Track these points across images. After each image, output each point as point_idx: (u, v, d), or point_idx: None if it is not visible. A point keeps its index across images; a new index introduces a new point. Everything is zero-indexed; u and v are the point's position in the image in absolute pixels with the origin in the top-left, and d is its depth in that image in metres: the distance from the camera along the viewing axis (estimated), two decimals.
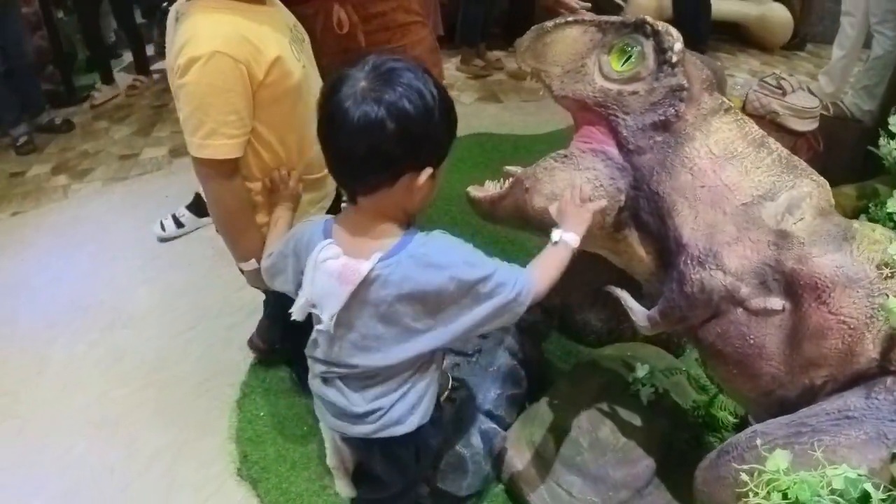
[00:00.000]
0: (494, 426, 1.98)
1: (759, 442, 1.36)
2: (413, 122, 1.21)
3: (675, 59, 1.52)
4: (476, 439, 1.91)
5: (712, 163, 1.51)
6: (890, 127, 2.40)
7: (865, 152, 2.53)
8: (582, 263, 2.04)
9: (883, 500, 1.17)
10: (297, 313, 1.37)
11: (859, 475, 1.19)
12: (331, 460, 1.65)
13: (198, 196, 2.78)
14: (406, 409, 1.44)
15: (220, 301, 2.68)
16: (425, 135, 1.24)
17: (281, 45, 1.62)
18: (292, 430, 2.18)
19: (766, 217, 1.45)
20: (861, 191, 2.83)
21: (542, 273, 1.40)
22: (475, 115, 4.19)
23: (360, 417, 1.43)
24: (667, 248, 1.56)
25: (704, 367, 2.03)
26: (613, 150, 1.60)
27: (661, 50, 1.55)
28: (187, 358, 2.48)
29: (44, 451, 2.16)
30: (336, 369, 1.41)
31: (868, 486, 1.17)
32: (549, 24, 1.72)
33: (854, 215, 2.54)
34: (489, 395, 2.01)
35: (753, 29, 5.96)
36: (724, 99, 1.63)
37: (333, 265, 1.30)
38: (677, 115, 1.53)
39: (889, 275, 1.35)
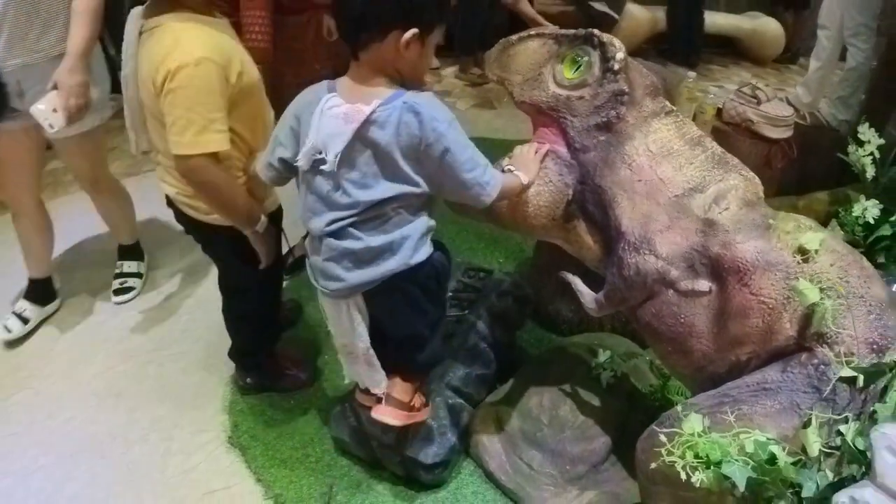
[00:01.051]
0: (461, 401, 2.08)
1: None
2: None
3: (617, 67, 1.65)
4: (443, 412, 2.02)
5: (649, 159, 1.64)
6: (859, 135, 2.50)
7: (838, 160, 2.59)
8: (553, 257, 2.17)
9: (789, 463, 1.27)
10: (303, 161, 1.54)
11: (768, 439, 1.29)
12: (350, 345, 1.77)
13: (33, 284, 2.67)
14: (416, 241, 1.60)
15: (217, 291, 2.78)
16: (390, 8, 1.41)
17: (240, 51, 1.79)
18: (279, 403, 2.31)
19: (695, 207, 1.57)
20: (834, 196, 2.93)
21: (501, 180, 1.58)
22: (470, 121, 4.30)
23: (380, 255, 1.58)
24: (610, 236, 1.67)
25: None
26: (563, 150, 1.73)
27: (605, 59, 1.68)
28: (186, 339, 2.60)
29: (53, 417, 2.28)
30: (342, 213, 1.55)
31: (775, 449, 1.27)
32: (514, 37, 1.86)
33: (827, 219, 2.63)
34: (458, 372, 2.12)
35: (746, 42, 5.97)
36: (667, 102, 1.74)
37: (339, 109, 1.49)
38: (619, 116, 1.66)
39: (804, 260, 1.45)
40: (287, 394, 2.33)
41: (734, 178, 1.60)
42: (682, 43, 5.52)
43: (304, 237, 2.85)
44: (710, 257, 1.53)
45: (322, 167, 1.52)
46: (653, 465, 1.55)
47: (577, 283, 1.81)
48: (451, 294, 2.34)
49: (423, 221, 1.62)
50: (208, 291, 2.80)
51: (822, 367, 1.38)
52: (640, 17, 5.63)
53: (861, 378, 1.32)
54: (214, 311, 2.37)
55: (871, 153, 2.46)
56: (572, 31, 1.79)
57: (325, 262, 1.63)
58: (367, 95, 1.49)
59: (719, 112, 3.23)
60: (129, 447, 2.20)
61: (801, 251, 1.46)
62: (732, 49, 6.04)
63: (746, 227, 1.52)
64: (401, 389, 1.88)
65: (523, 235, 1.93)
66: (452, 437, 2.02)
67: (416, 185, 1.53)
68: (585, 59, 1.72)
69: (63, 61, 2.10)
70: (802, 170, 3.46)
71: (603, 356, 2.13)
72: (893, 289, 1.75)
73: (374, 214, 1.55)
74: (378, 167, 1.51)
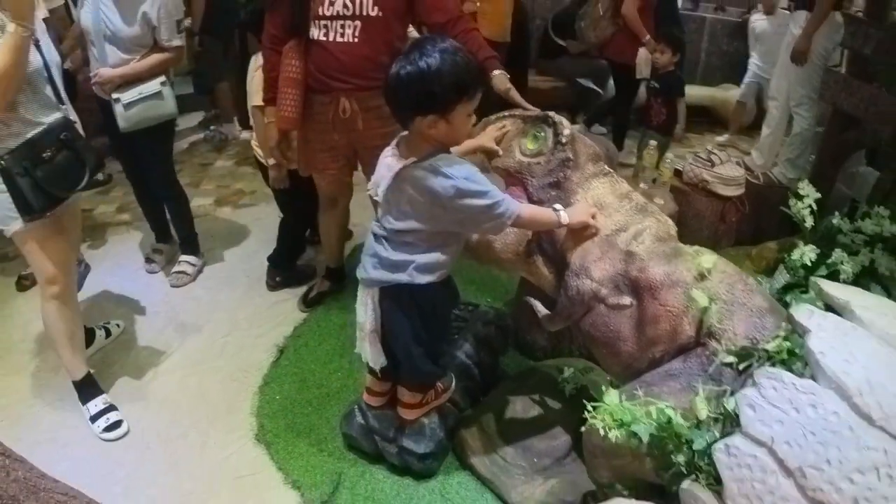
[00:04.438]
0: (450, 405, 2.51)
1: None
2: (408, 86, 1.82)
3: (564, 140, 2.17)
4: (434, 413, 2.44)
5: None
6: (798, 191, 2.99)
7: (783, 213, 2.93)
8: (529, 293, 2.68)
9: (684, 424, 1.67)
10: (371, 190, 2.07)
11: (667, 406, 1.69)
12: (363, 323, 2.20)
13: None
14: (426, 268, 2.04)
15: (251, 316, 3.28)
16: (420, 93, 1.82)
17: None
18: (300, 409, 2.73)
19: (620, 243, 2.04)
20: (781, 245, 3.31)
21: (529, 211, 2.04)
22: None
23: (396, 266, 2.04)
24: (560, 268, 2.17)
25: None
26: (525, 202, 2.22)
27: (556, 134, 2.19)
28: (223, 355, 3.04)
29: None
30: (382, 230, 2.05)
31: (671, 413, 1.67)
32: (493, 117, 2.39)
33: (776, 265, 2.98)
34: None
35: (721, 111, 6.48)
36: (605, 166, 2.24)
37: (389, 160, 1.97)
38: (566, 177, 2.17)
39: (700, 278, 1.92)
40: (306, 404, 2.76)
41: (650, 221, 2.08)
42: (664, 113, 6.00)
43: (323, 276, 3.42)
44: (630, 279, 1.99)
45: (377, 198, 2.04)
46: (593, 440, 2.06)
47: (537, 305, 2.26)
48: None
49: (434, 255, 2.03)
50: (240, 319, 3.29)
51: (712, 356, 1.81)
52: None
53: (736, 360, 1.75)
54: (245, 336, 2.89)
55: (809, 205, 2.95)
56: (535, 113, 2.32)
57: (365, 256, 2.12)
58: (411, 152, 1.93)
59: (678, 174, 3.78)
60: (171, 441, 2.59)
61: (699, 272, 1.92)
62: (708, 118, 6.54)
63: (657, 255, 1.98)
64: (409, 396, 2.35)
65: (497, 268, 2.43)
66: (441, 433, 2.41)
67: (430, 223, 1.97)
68: (542, 134, 2.24)
69: None
70: (757, 223, 3.87)
71: (567, 372, 2.55)
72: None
73: (398, 237, 2.02)
74: (407, 207, 1.96)
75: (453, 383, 2.49)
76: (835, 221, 3.23)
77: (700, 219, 3.62)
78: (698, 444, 1.67)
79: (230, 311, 3.37)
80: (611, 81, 5.92)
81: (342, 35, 2.67)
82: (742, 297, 1.91)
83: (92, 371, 2.73)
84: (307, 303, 3.34)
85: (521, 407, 2.55)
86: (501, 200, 1.94)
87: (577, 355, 2.91)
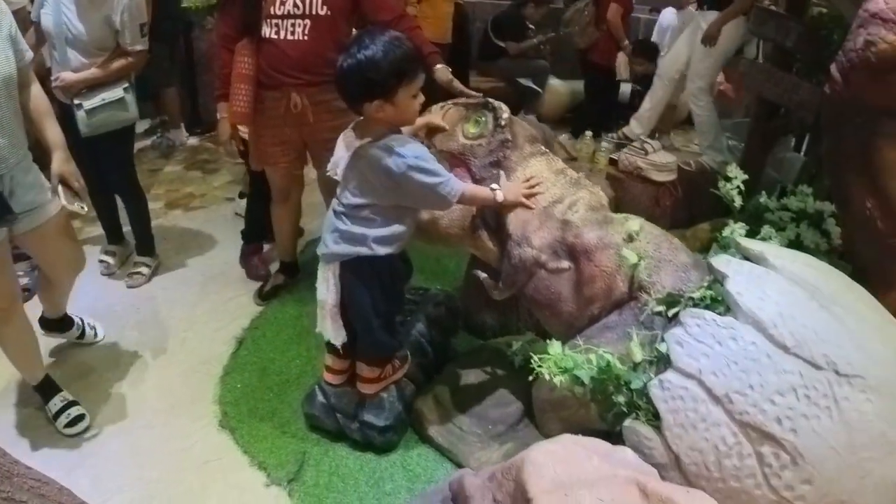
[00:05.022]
0: (406, 380, 2.63)
1: None
2: (351, 77, 2.01)
3: (503, 123, 2.34)
4: (392, 387, 2.56)
5: None
6: (727, 173, 3.20)
7: (714, 196, 3.12)
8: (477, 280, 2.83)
9: (620, 367, 1.84)
10: (331, 170, 2.21)
11: (605, 352, 1.86)
12: (324, 300, 2.31)
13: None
14: (385, 240, 2.18)
15: (209, 311, 3.36)
16: (362, 82, 2.00)
17: None
18: (262, 395, 2.81)
19: (556, 213, 2.22)
20: (714, 226, 3.51)
21: (471, 190, 2.23)
22: None
23: (356, 239, 2.17)
24: (502, 239, 2.32)
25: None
26: (469, 181, 2.38)
27: (496, 118, 2.37)
28: (183, 349, 3.10)
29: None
30: (341, 207, 2.19)
31: (609, 357, 1.83)
32: (438, 106, 2.55)
33: (709, 244, 3.16)
34: None
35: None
36: (542, 146, 2.42)
37: (346, 141, 2.13)
38: (505, 157, 2.34)
39: (629, 240, 2.12)
40: (266, 390, 2.84)
41: (583, 193, 2.27)
42: (598, 110, 6.07)
43: (277, 270, 3.53)
44: (567, 244, 2.16)
45: (336, 176, 2.18)
46: (542, 396, 2.22)
47: (484, 276, 2.41)
48: None
49: (391, 229, 2.18)
50: (197, 315, 3.36)
51: (644, 306, 1.99)
52: (561, 91, 6.46)
53: (665, 308, 1.94)
54: (204, 330, 2.96)
55: (738, 186, 3.15)
56: (475, 100, 2.50)
57: (325, 232, 2.23)
58: (366, 134, 2.09)
59: (613, 162, 4.01)
60: (136, 432, 2.63)
61: (628, 235, 2.12)
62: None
63: (590, 222, 2.17)
64: (367, 371, 2.46)
65: (446, 245, 2.57)
66: (399, 406, 2.52)
67: (384, 198, 2.12)
68: (483, 119, 2.41)
69: (56, 155, 2.37)
70: (690, 208, 4.04)
71: (515, 345, 2.67)
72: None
73: (356, 212, 2.15)
74: (361, 182, 2.13)
75: (409, 358, 2.62)
76: (762, 200, 3.45)
77: (636, 204, 3.84)
78: (636, 384, 1.84)
79: (188, 308, 3.43)
80: (551, 80, 6.21)
81: (292, 33, 2.82)
82: (668, 255, 2.10)
83: (49, 373, 2.77)
84: (263, 296, 3.45)
85: (474, 379, 2.69)
86: (448, 179, 2.12)
87: (524, 332, 3.07)
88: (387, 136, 2.09)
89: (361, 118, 2.16)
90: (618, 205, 3.85)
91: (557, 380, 1.87)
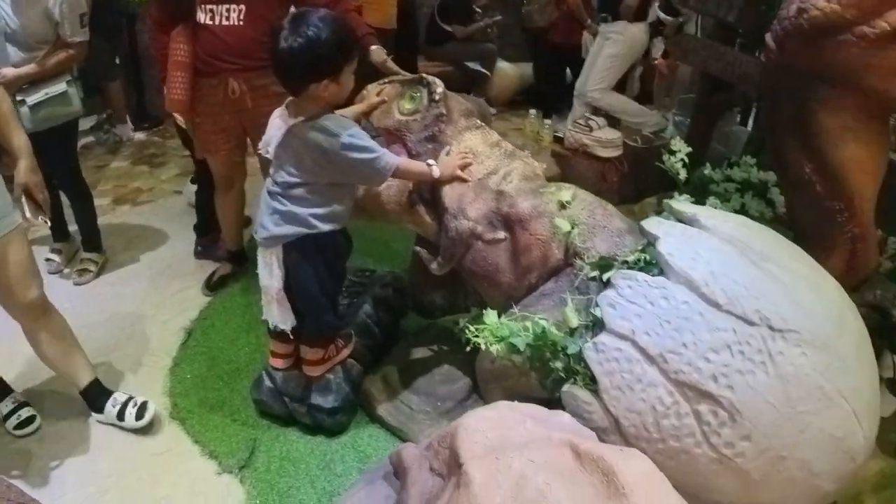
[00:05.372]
0: (353, 361, 2.57)
1: None
2: (300, 57, 1.93)
3: (437, 98, 2.30)
4: (338, 369, 2.50)
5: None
6: (671, 147, 3.18)
7: (661, 171, 3.11)
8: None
9: (556, 333, 1.80)
10: (262, 149, 2.15)
11: (540, 319, 1.83)
12: (269, 286, 2.25)
13: None
14: (326, 217, 2.13)
15: (157, 304, 3.29)
16: (312, 61, 1.94)
17: None
18: (212, 385, 2.75)
19: (491, 184, 2.18)
20: (660, 200, 3.51)
21: (405, 164, 2.18)
22: None
23: (297, 219, 2.11)
24: (440, 213, 2.28)
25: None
26: (405, 157, 2.33)
27: (430, 93, 2.32)
28: (131, 343, 3.03)
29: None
30: (276, 187, 2.12)
31: (544, 324, 1.80)
32: (373, 85, 2.50)
33: None
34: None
35: None
36: (477, 120, 2.38)
37: (278, 121, 2.07)
38: (440, 131, 2.29)
39: (563, 208, 2.08)
40: (216, 380, 2.78)
41: (517, 163, 2.23)
42: (548, 91, 6.20)
43: (225, 260, 3.45)
44: (502, 215, 2.13)
45: (267, 155, 2.12)
46: (484, 368, 2.18)
47: (423, 253, 2.37)
48: (344, 288, 2.89)
49: (330, 207, 2.13)
50: (146, 308, 3.28)
51: (578, 272, 1.96)
52: (510, 73, 6.42)
53: (598, 272, 1.91)
54: (152, 323, 2.90)
55: (682, 159, 3.14)
56: (411, 77, 2.45)
57: (264, 216, 2.16)
58: (299, 113, 2.04)
59: (559, 140, 3.98)
60: (86, 429, 2.56)
61: (561, 203, 2.10)
62: None
63: (524, 192, 2.13)
64: (311, 353, 2.40)
65: (386, 221, 2.48)
66: (347, 387, 2.47)
67: (319, 176, 2.07)
68: (418, 95, 2.36)
69: (22, 163, 2.19)
70: (638, 183, 4.03)
71: (462, 322, 2.72)
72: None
73: (292, 191, 2.10)
74: (296, 161, 2.07)
75: (353, 339, 2.56)
76: (707, 172, 3.45)
77: (582, 180, 3.78)
78: (572, 349, 1.81)
79: (136, 302, 3.35)
80: (499, 63, 6.16)
81: (227, 18, 2.75)
82: (602, 221, 2.07)
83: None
84: (210, 287, 3.37)
85: (422, 357, 2.66)
86: (382, 154, 2.08)
87: (472, 311, 3.01)
88: (321, 115, 2.05)
89: (293, 98, 2.11)
90: (564, 181, 3.81)
91: (494, 349, 1.84)
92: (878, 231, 2.88)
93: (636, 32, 4.71)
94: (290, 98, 2.11)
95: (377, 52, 2.70)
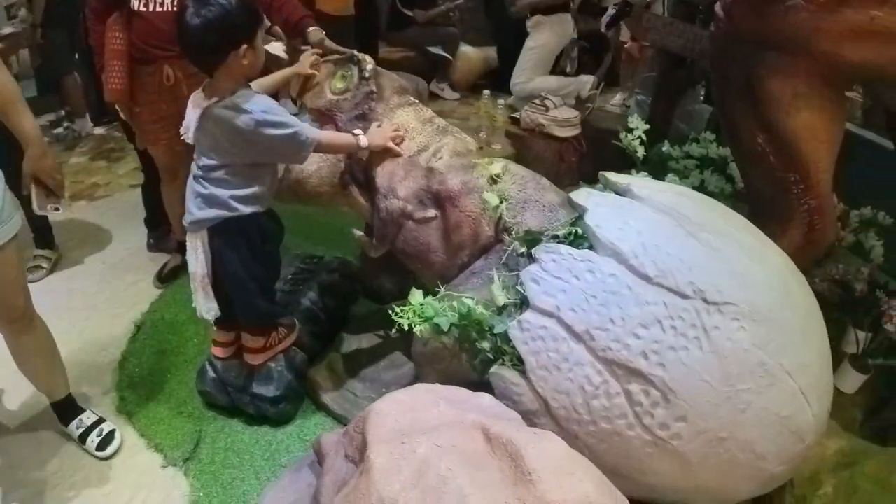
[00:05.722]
0: (296, 349, 2.47)
1: None
2: (216, 27, 1.84)
3: (367, 75, 2.20)
4: (280, 357, 2.40)
5: None
6: (629, 124, 3.07)
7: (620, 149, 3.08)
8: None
9: (482, 312, 1.70)
10: (184, 133, 2.03)
11: (466, 297, 1.73)
12: (195, 272, 2.14)
13: None
14: (247, 199, 2.03)
15: (109, 299, 3.20)
16: (229, 29, 1.85)
17: None
18: (159, 378, 2.67)
19: (421, 161, 2.08)
20: None
21: (328, 136, 2.07)
22: None
23: (219, 202, 2.01)
24: (371, 193, 2.19)
25: None
26: None
27: (361, 71, 2.23)
28: (81, 339, 2.92)
29: None
30: (199, 171, 2.02)
31: (469, 303, 1.70)
32: (308, 53, 2.38)
33: None
34: None
35: None
36: (411, 97, 2.28)
37: (194, 103, 1.96)
38: (370, 109, 2.19)
39: (491, 181, 1.99)
40: (163, 373, 2.69)
41: (448, 139, 2.13)
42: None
43: (175, 251, 3.34)
44: (432, 192, 2.03)
45: (188, 139, 2.01)
46: (417, 350, 2.06)
47: (359, 234, 2.28)
48: (290, 277, 2.76)
49: (252, 188, 2.03)
50: (97, 303, 3.17)
51: (507, 248, 1.87)
52: (474, 57, 6.28)
53: (525, 246, 1.81)
54: (103, 318, 2.82)
55: (639, 137, 3.03)
56: (343, 55, 2.35)
57: (188, 201, 2.07)
58: (214, 93, 1.93)
59: (515, 121, 3.85)
60: (34, 425, 2.48)
61: (491, 177, 2.00)
62: None
63: (455, 168, 2.03)
64: (252, 341, 2.31)
65: (319, 205, 2.39)
66: (289, 375, 2.38)
67: (238, 157, 1.97)
68: (349, 73, 2.27)
69: (30, 151, 2.01)
70: (598, 162, 4.05)
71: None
72: None
73: (213, 174, 2.00)
74: (213, 143, 1.97)
75: (297, 326, 2.46)
76: (665, 149, 3.35)
77: (540, 161, 3.69)
78: (499, 329, 1.71)
79: (88, 297, 3.25)
80: (462, 48, 6.05)
81: (161, 4, 2.67)
82: (534, 195, 1.97)
83: None
84: (162, 279, 3.27)
85: (367, 343, 2.57)
86: (300, 128, 1.97)
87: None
88: (235, 92, 1.94)
89: (210, 79, 2.00)
90: (521, 162, 3.67)
91: (418, 329, 1.74)
92: (840, 204, 2.79)
93: (551, 24, 4.64)
94: (207, 81, 2.00)
95: (314, 32, 2.58)
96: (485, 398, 1.59)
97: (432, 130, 2.17)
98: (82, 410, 2.45)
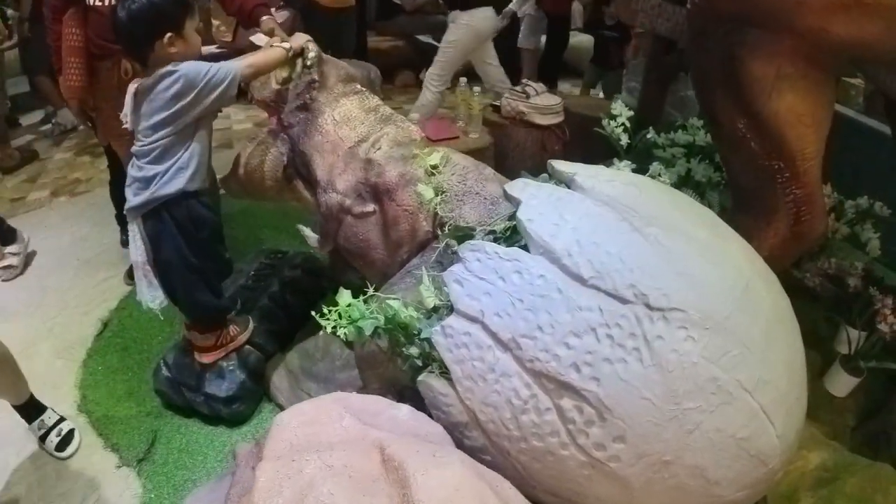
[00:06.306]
0: (250, 348, 2.35)
1: None
2: (143, 17, 1.82)
3: (309, 63, 2.05)
4: (232, 356, 2.29)
5: (334, 126, 2.01)
6: (611, 111, 2.86)
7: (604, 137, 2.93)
8: None
9: (408, 315, 1.53)
10: (123, 119, 1.97)
11: (392, 299, 1.57)
12: (137, 260, 2.05)
13: None
14: (171, 175, 1.93)
15: (79, 296, 3.11)
16: (154, 18, 1.82)
17: None
18: (122, 376, 2.58)
19: (361, 153, 1.93)
20: (606, 166, 3.31)
21: (251, 59, 1.98)
22: None
23: (149, 183, 1.92)
24: (313, 186, 2.05)
25: None
26: (279, 129, 2.11)
27: (304, 59, 2.07)
28: (50, 336, 2.85)
29: None
30: (135, 154, 1.95)
31: (395, 305, 1.54)
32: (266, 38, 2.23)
33: None
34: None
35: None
36: (357, 86, 2.12)
37: (130, 90, 1.92)
38: (312, 98, 2.04)
39: (429, 173, 1.82)
40: (125, 371, 2.59)
41: (389, 128, 1.98)
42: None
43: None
44: (370, 185, 1.88)
45: (128, 126, 1.94)
46: (357, 353, 1.89)
47: (305, 231, 2.14)
48: (253, 273, 2.65)
49: (179, 161, 1.93)
50: (68, 300, 3.09)
51: (439, 245, 1.70)
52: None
53: (457, 242, 1.63)
54: (72, 315, 2.77)
55: (623, 124, 2.82)
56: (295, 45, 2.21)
57: (127, 188, 1.98)
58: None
59: (496, 109, 3.63)
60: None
61: (429, 168, 1.82)
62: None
63: (393, 159, 1.88)
64: (201, 339, 2.21)
65: (268, 199, 2.26)
66: (242, 374, 2.27)
67: (172, 124, 1.88)
68: (294, 62, 2.11)
69: None
70: (583, 151, 3.85)
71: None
72: None
73: (148, 153, 1.91)
74: (145, 121, 1.89)
75: (250, 325, 2.35)
76: (650, 137, 3.12)
77: (522, 149, 3.47)
78: (426, 333, 1.53)
79: (59, 294, 3.16)
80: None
81: None
82: (475, 187, 1.80)
83: None
84: (131, 275, 3.12)
85: (323, 343, 2.42)
86: (220, 67, 1.90)
87: None
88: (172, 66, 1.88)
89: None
90: (503, 151, 3.50)
91: (342, 332, 1.57)
92: (833, 193, 2.56)
93: (468, 20, 4.32)
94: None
95: (267, 21, 2.44)
96: (402, 410, 1.43)
97: (375, 120, 2.02)
98: (44, 410, 2.37)
